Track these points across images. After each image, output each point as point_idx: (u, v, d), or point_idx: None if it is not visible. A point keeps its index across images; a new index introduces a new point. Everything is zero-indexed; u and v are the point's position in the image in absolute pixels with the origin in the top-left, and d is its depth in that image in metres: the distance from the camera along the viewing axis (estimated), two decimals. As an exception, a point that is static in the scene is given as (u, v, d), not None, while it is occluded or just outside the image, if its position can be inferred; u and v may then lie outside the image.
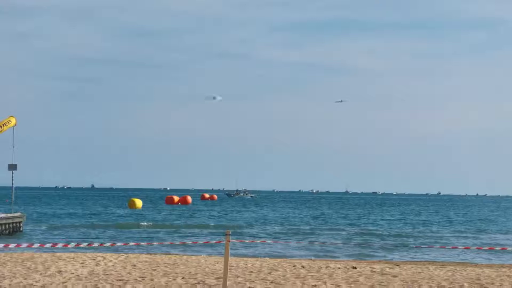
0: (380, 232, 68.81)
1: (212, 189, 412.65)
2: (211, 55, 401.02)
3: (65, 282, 23.59)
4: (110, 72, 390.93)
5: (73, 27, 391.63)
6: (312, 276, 26.29)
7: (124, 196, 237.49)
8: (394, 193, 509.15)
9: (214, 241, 41.70)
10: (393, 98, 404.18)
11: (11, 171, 56.43)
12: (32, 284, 22.78)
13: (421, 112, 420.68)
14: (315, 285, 23.59)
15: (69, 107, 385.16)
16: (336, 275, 26.60)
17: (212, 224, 78.76)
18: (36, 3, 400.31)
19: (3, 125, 54.37)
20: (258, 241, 51.08)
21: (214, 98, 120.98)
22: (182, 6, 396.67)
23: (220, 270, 26.91)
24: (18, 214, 60.35)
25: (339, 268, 29.51)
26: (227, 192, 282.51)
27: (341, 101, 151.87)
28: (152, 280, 24.37)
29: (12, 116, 55.29)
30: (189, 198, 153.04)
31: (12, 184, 56.73)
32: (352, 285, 23.87)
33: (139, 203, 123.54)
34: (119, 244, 23.69)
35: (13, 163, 56.36)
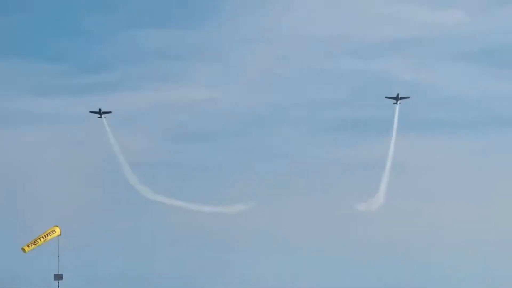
0: None
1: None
2: (257, 156, 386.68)
3: None
4: (162, 175, 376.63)
5: (123, 131, 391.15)
6: None
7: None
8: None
9: None
10: (447, 191, 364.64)
11: (57, 281, 63.82)
12: None
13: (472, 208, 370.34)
14: None
15: (117, 213, 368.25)
16: None
17: None
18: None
19: (47, 235, 63.22)
20: None
21: (100, 111, 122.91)
22: (224, 107, 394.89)
23: None
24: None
25: None
26: None
27: (399, 100, 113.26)
28: None
29: (56, 226, 62.14)
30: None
31: (58, 294, 55.43)
32: None
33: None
34: None
35: (59, 273, 63.57)
